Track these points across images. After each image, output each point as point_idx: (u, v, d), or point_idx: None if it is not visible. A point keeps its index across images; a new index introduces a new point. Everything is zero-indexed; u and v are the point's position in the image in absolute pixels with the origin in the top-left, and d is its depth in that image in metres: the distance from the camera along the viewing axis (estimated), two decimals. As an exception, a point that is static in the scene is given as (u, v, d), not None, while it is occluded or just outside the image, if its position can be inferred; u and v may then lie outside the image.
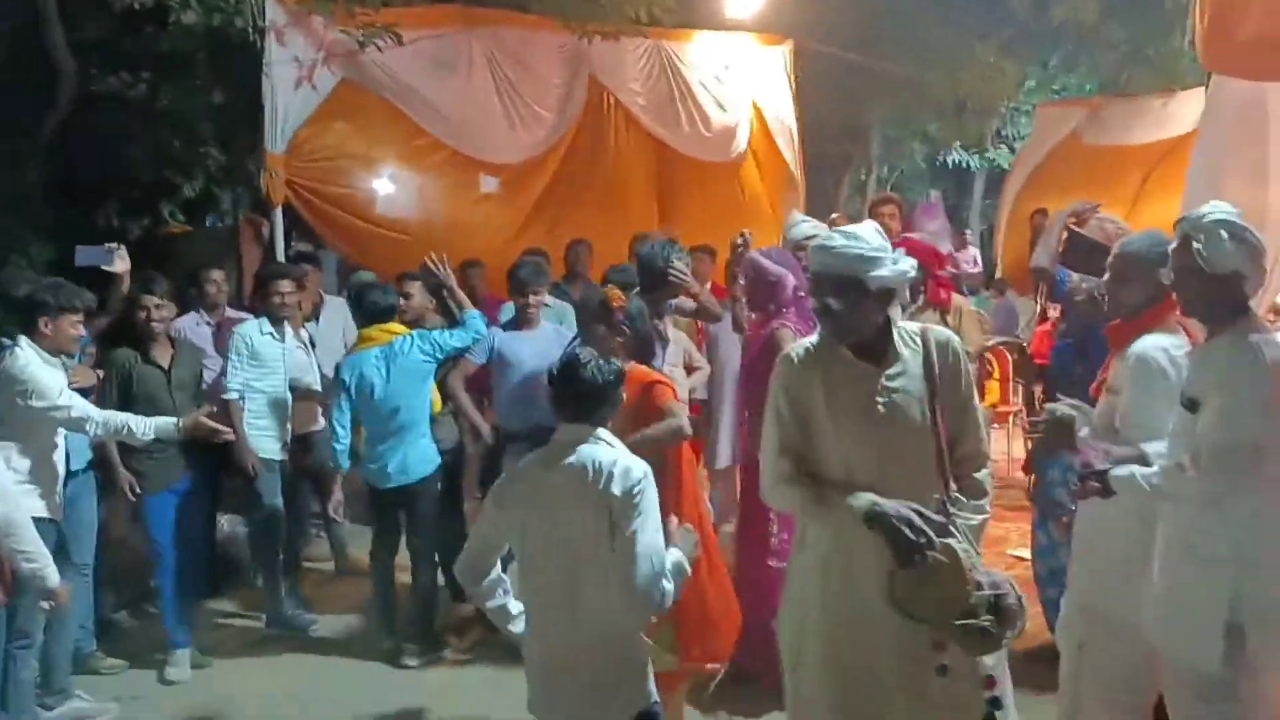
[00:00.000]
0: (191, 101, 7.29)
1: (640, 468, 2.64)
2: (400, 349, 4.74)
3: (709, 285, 6.92)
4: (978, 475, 2.67)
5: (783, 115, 8.94)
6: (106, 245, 4.67)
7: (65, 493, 4.19)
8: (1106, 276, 3.24)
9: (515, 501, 2.76)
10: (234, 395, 4.98)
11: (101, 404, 4.40)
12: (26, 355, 3.89)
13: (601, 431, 2.72)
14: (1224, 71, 4.04)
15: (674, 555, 2.69)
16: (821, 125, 10.60)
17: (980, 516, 2.62)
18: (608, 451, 2.68)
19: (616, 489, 2.58)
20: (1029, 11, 11.06)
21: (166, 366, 4.73)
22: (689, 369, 5.41)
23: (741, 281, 3.98)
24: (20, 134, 7.52)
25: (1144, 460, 2.89)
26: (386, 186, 7.34)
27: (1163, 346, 3.00)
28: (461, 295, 4.98)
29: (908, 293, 4.56)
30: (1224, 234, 2.70)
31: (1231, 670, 2.73)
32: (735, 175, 8.62)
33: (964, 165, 14.04)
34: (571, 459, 2.66)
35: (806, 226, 4.85)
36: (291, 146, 6.53)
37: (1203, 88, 8.70)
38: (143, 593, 5.24)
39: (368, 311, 4.84)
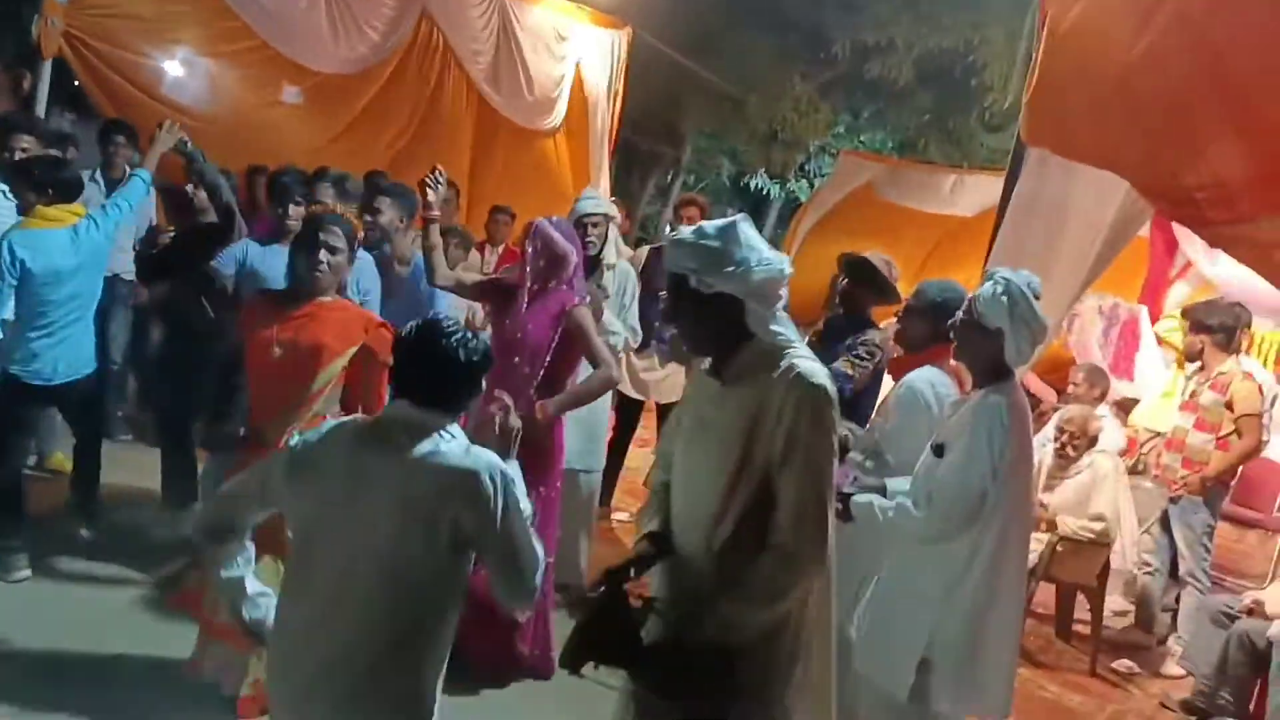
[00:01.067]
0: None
1: (494, 461, 2.20)
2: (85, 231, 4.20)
3: (503, 248, 6.85)
4: (758, 561, 2.19)
5: (602, 98, 8.98)
6: None
7: None
8: (899, 311, 3.44)
9: (314, 473, 2.22)
10: None
11: None
12: None
13: (453, 427, 2.23)
14: (1042, 145, 4.20)
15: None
16: (639, 120, 10.71)
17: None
18: (456, 449, 2.19)
19: (484, 492, 2.13)
20: (851, 61, 11.60)
21: None
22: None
23: (528, 249, 3.87)
24: None
25: (884, 491, 3.07)
26: (180, 64, 6.75)
27: (930, 380, 3.22)
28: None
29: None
30: (1000, 292, 2.90)
31: (919, 705, 2.93)
32: (546, 145, 8.60)
33: (764, 191, 14.56)
34: (409, 450, 2.16)
35: (591, 203, 4.89)
36: (81, -6, 5.87)
37: (987, 174, 9.57)
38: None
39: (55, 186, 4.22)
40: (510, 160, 8.38)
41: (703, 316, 2.27)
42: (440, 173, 3.99)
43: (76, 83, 6.56)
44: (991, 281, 2.94)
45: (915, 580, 2.95)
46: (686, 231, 2.28)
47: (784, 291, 2.28)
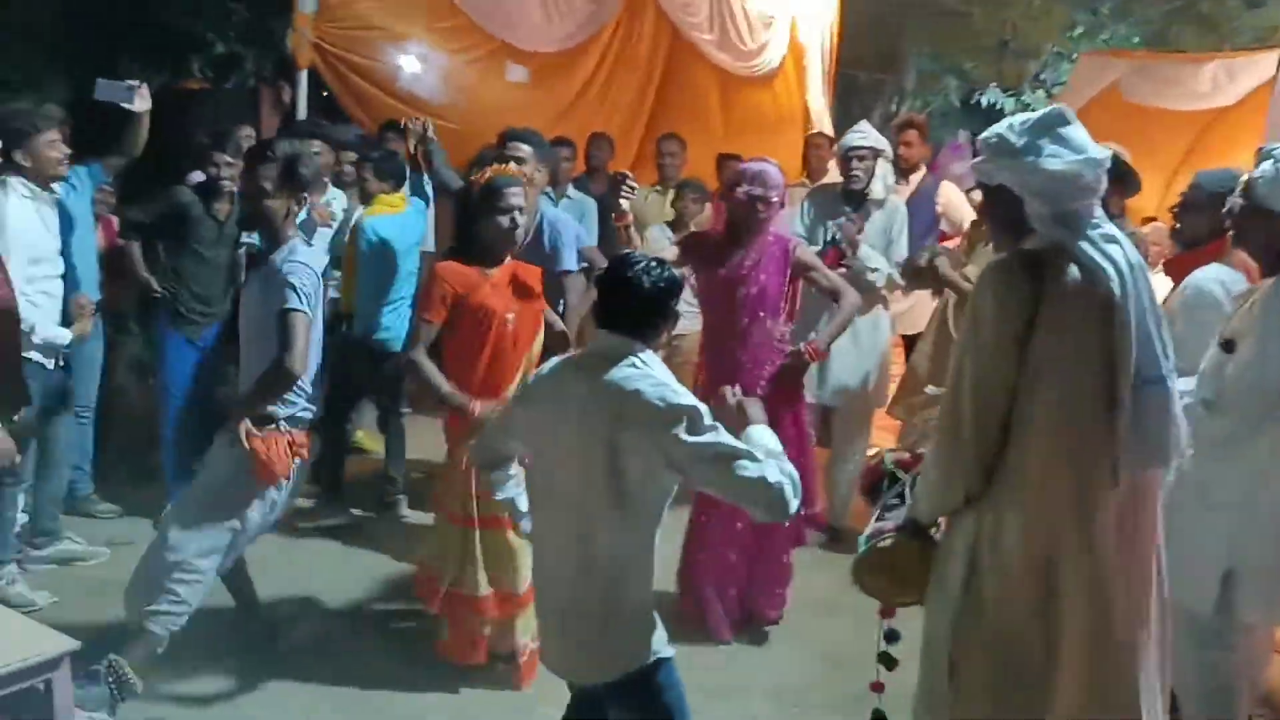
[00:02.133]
0: (220, -49, 7.08)
1: (686, 396, 2.27)
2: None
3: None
4: None
5: (821, 34, 8.76)
6: (128, 82, 4.50)
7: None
8: (1175, 207, 3.22)
9: (535, 402, 2.45)
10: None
11: (144, 232, 4.69)
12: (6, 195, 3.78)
13: (647, 355, 2.35)
14: None
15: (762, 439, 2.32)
16: (858, 50, 10.35)
17: None
18: (634, 374, 2.29)
19: (649, 411, 2.22)
20: (1085, -48, 10.74)
21: (222, 220, 4.69)
22: None
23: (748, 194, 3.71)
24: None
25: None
26: (413, 64, 7.17)
27: (1218, 278, 2.98)
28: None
29: None
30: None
31: (1224, 618, 2.74)
32: (767, 89, 8.49)
33: (997, 107, 13.70)
34: (600, 377, 2.29)
35: (857, 136, 4.83)
36: (322, 8, 6.33)
37: (1252, 54, 8.61)
38: (144, 440, 5.21)
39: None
40: (731, 108, 8.35)
41: (988, 208, 2.35)
42: (632, 181, 3.91)
43: (325, 93, 7.14)
44: (1271, 160, 2.68)
45: (1210, 488, 2.74)
46: (999, 124, 2.29)
47: (1087, 191, 2.19)
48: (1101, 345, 2.15)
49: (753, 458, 2.20)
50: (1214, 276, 3.00)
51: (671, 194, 5.85)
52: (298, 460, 3.22)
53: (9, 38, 6.89)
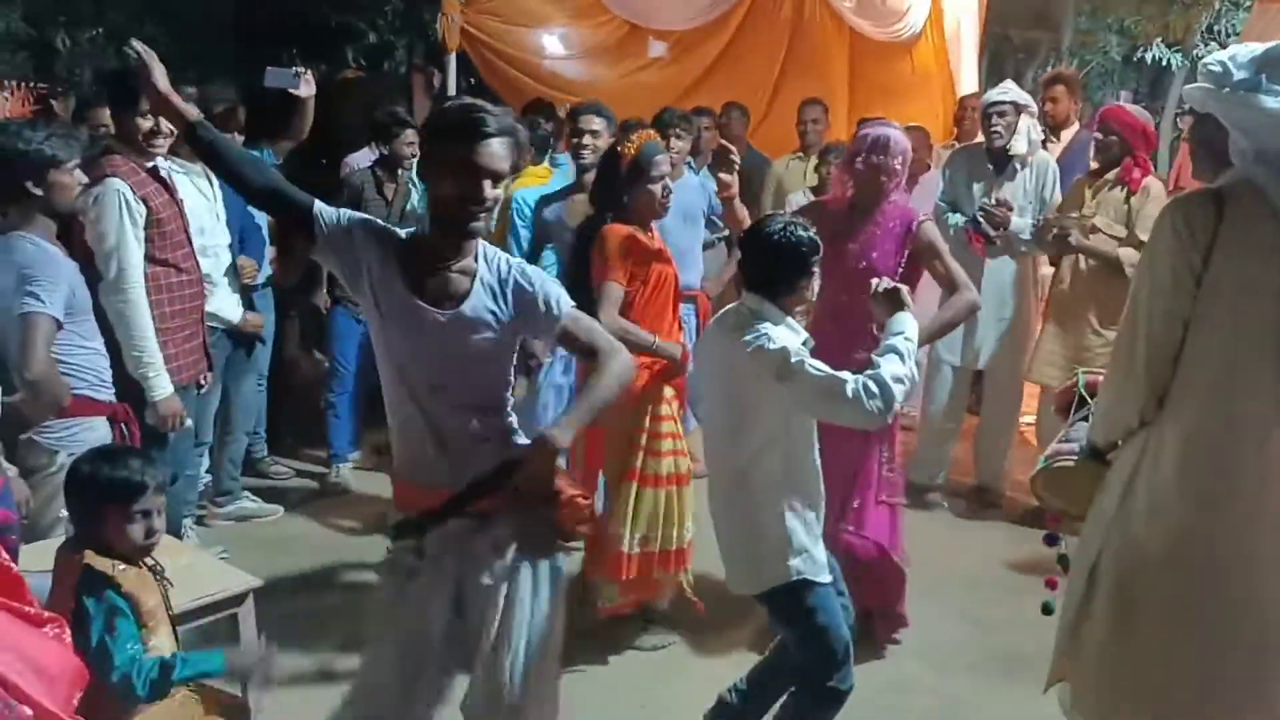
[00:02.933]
0: (372, -55, 7.38)
1: (770, 353, 2.55)
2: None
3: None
4: None
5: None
6: (294, 69, 4.75)
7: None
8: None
9: (698, 357, 2.93)
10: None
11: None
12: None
13: (767, 308, 2.63)
14: None
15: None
16: (1009, 7, 9.96)
17: None
18: (764, 327, 2.59)
19: (758, 353, 2.55)
20: (1261, -109, 9.97)
21: (390, 199, 4.94)
22: None
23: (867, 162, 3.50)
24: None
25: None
26: (556, 47, 7.34)
27: None
28: None
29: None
30: None
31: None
32: (907, 54, 8.26)
33: (1164, 63, 12.91)
34: (739, 334, 2.61)
35: (997, 92, 4.68)
36: (471, -8, 6.54)
37: None
38: (313, 409, 5.53)
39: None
40: (873, 74, 8.17)
41: (1193, 135, 2.33)
42: (735, 155, 3.72)
43: (472, 79, 7.37)
44: None
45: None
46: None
47: None
48: (1272, 292, 2.07)
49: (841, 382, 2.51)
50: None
51: (814, 160, 5.78)
52: None
53: (183, 35, 7.38)
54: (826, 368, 2.55)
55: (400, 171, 4.98)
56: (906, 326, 2.64)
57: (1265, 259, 2.08)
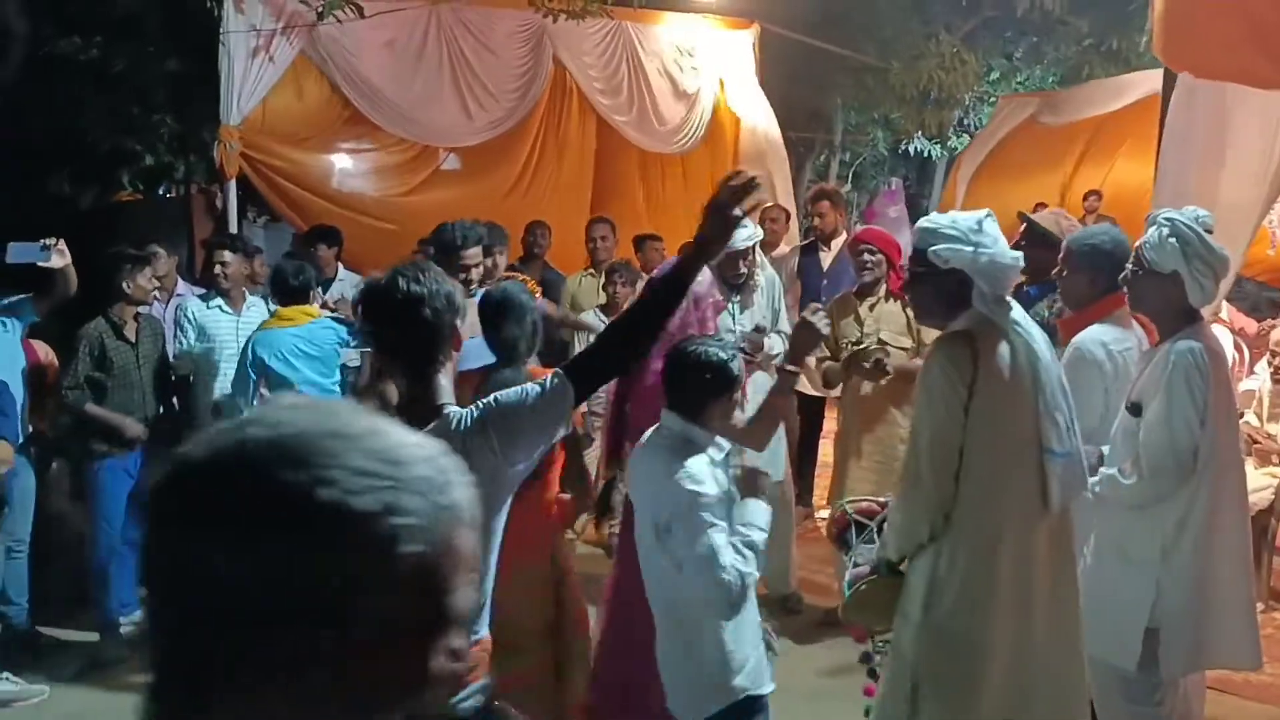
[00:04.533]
0: (146, 67, 7.15)
1: (684, 492, 2.56)
2: (313, 333, 4.67)
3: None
4: None
5: (751, 99, 8.89)
6: (43, 241, 4.48)
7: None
8: (1057, 269, 3.29)
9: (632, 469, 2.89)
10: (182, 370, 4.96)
11: (72, 375, 4.48)
12: None
13: (693, 431, 2.66)
14: (1184, 69, 4.05)
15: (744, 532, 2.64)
16: (784, 110, 10.57)
17: None
18: (664, 458, 2.63)
19: (664, 501, 2.60)
20: (994, 2, 11.11)
21: (134, 341, 4.67)
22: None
23: None
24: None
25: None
26: (344, 161, 7.27)
27: (1100, 340, 3.05)
28: None
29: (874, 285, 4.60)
30: (1168, 234, 2.75)
31: (1149, 673, 2.79)
32: (685, 164, 8.57)
33: (926, 154, 14.09)
34: (665, 448, 2.66)
35: (744, 234, 4.74)
36: (247, 119, 6.41)
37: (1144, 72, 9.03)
38: (84, 570, 5.13)
39: (285, 290, 4.75)
40: (653, 187, 8.46)
41: (931, 287, 2.61)
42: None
43: (255, 203, 7.20)
44: (1155, 226, 2.79)
45: (1129, 548, 2.82)
46: (936, 217, 2.68)
47: (1014, 280, 2.62)
48: (1030, 402, 2.50)
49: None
50: (1095, 337, 3.07)
51: (603, 277, 5.91)
52: None
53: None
54: (719, 538, 2.53)
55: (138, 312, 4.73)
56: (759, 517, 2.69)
57: (1013, 381, 2.48)
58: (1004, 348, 2.49)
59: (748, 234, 4.72)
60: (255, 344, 4.66)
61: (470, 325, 3.81)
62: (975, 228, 2.54)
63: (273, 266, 5.23)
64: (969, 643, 2.50)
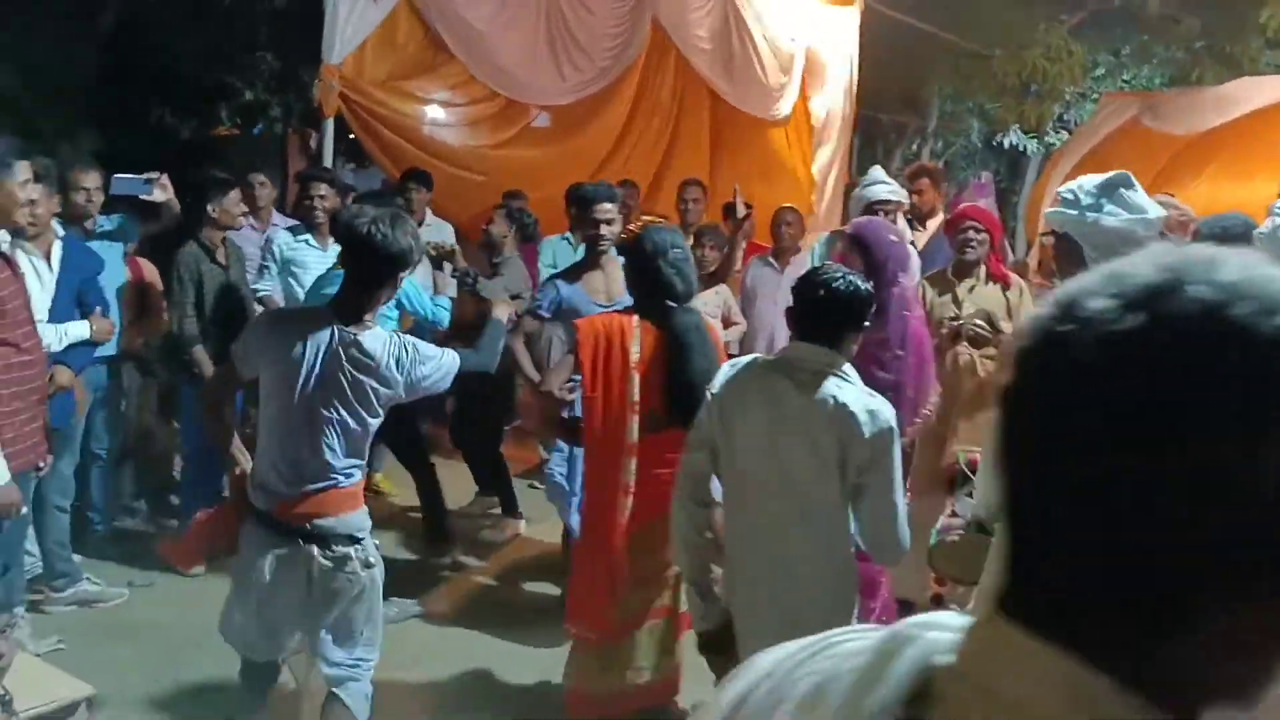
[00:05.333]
0: (249, 4, 7.25)
1: (889, 412, 2.47)
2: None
3: (745, 242, 6.85)
4: None
5: (842, 78, 8.80)
6: (146, 175, 4.60)
7: (90, 378, 4.22)
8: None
9: (737, 407, 2.57)
10: (264, 292, 5.06)
11: (178, 304, 4.61)
12: None
13: (847, 367, 2.53)
14: None
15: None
16: (880, 91, 10.43)
17: None
18: (850, 389, 2.48)
19: (865, 433, 2.43)
20: (1103, -4, 10.80)
21: (225, 265, 4.78)
22: (726, 322, 5.35)
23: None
24: (75, 23, 7.50)
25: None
26: (435, 111, 7.31)
27: None
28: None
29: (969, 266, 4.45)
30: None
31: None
32: (779, 133, 8.55)
33: (1020, 148, 13.71)
34: (810, 385, 2.48)
35: (884, 189, 4.72)
36: (348, 60, 6.46)
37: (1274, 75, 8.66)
38: (163, 483, 5.27)
39: None
40: (746, 153, 8.41)
41: (1056, 250, 2.69)
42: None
43: (351, 136, 7.27)
44: (1272, 216, 2.72)
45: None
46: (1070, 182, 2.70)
47: (1137, 246, 2.42)
48: None
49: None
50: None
51: (692, 239, 5.86)
52: None
53: (45, 90, 7.08)
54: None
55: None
56: None
57: None
58: None
59: (889, 188, 4.66)
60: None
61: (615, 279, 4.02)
62: (1094, 191, 2.50)
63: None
64: None
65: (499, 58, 7.16)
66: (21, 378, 3.27)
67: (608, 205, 4.25)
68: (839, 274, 2.50)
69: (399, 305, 4.57)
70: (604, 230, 4.21)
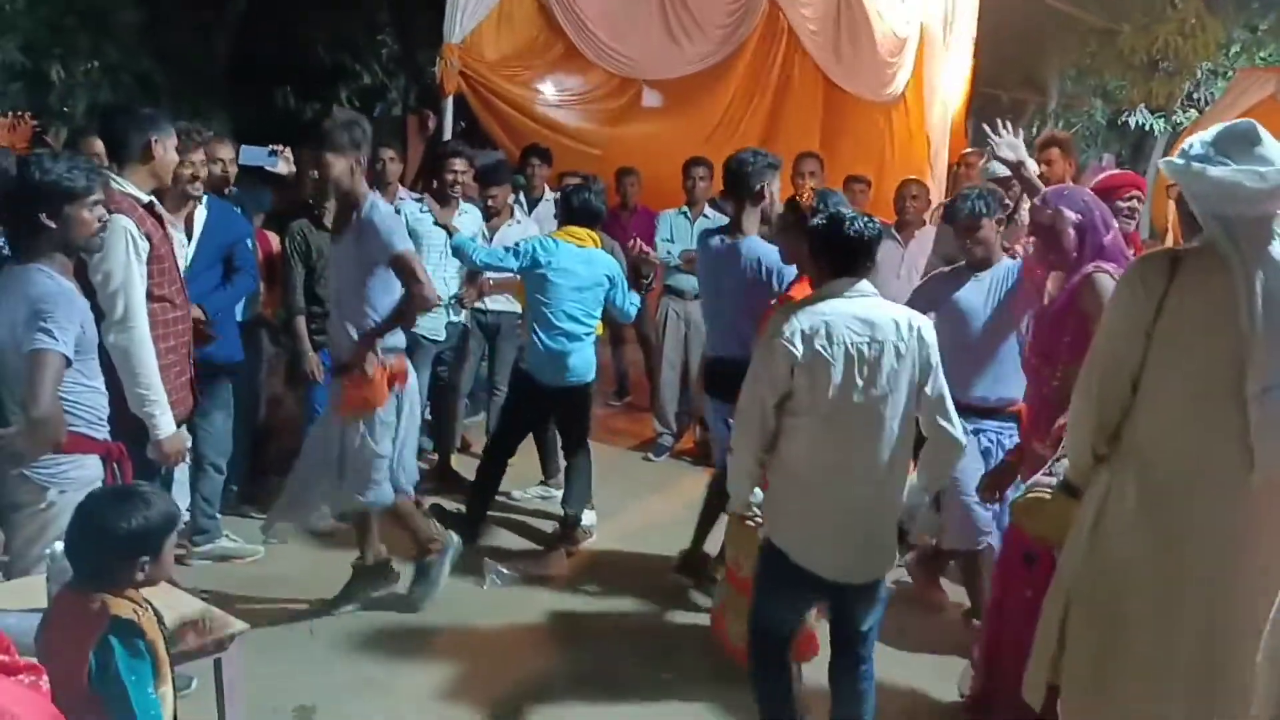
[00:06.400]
0: (373, -12, 7.44)
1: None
2: (595, 259, 4.65)
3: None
4: None
5: (959, 56, 8.61)
6: (270, 146, 4.77)
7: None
8: None
9: (807, 339, 2.74)
10: None
11: (288, 276, 4.73)
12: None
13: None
14: None
15: None
16: (998, 69, 10.14)
17: None
18: (897, 308, 2.88)
19: (926, 343, 2.81)
20: (1241, -33, 10.28)
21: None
22: None
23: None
24: (208, 10, 7.81)
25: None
26: (551, 92, 7.38)
27: None
28: None
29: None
30: None
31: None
32: (892, 112, 8.41)
33: (1146, 128, 13.14)
34: (875, 308, 2.80)
35: (997, 165, 4.58)
36: (468, 40, 6.58)
37: None
38: (294, 450, 5.44)
39: (577, 211, 4.72)
40: (859, 132, 8.30)
41: (1179, 205, 2.54)
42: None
43: (463, 124, 7.40)
44: None
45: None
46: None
47: (1247, 200, 2.28)
48: (1227, 337, 2.27)
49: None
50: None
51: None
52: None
53: (181, 75, 7.39)
54: None
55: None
56: None
57: (1217, 306, 2.29)
58: (1215, 268, 2.28)
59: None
60: (540, 245, 4.64)
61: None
62: (1210, 140, 2.31)
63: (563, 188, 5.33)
64: (1124, 575, 2.40)
65: (610, 35, 7.20)
66: (176, 332, 3.42)
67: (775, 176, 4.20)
68: (854, 214, 2.88)
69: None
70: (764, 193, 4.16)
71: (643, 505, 5.45)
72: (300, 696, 3.37)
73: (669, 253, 6.05)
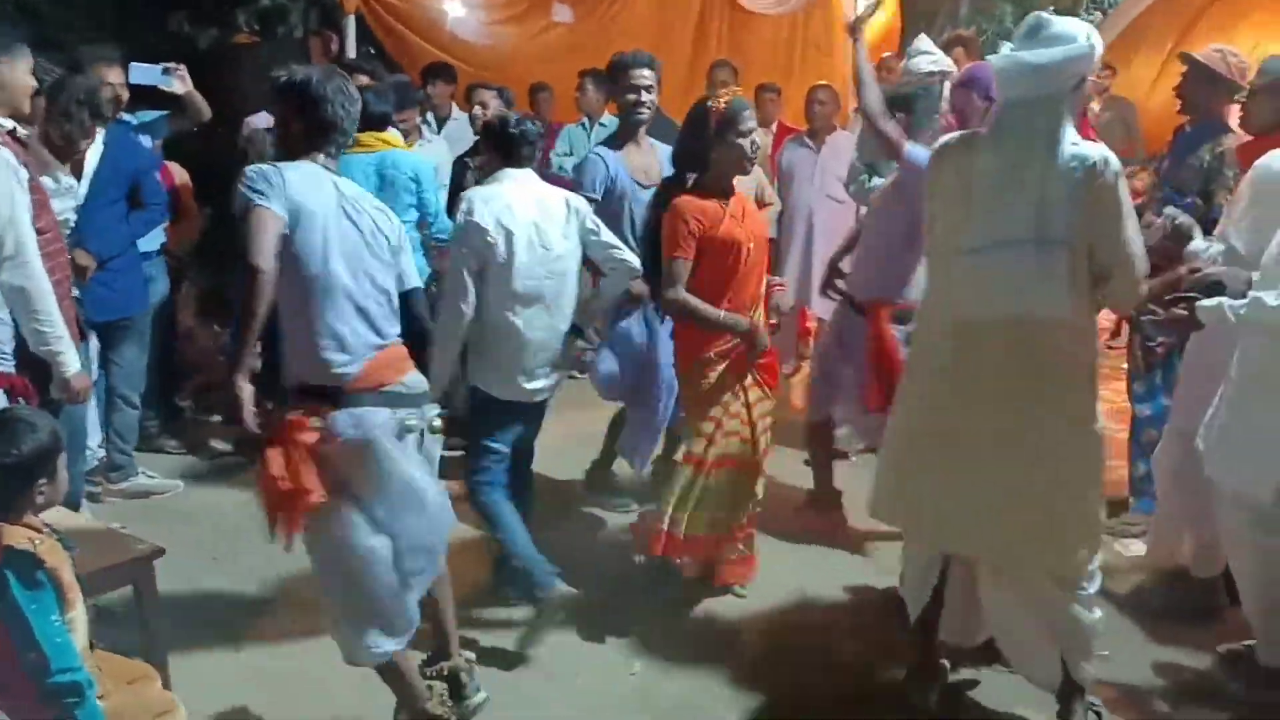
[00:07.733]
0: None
1: None
2: (393, 162, 4.27)
3: (775, 125, 6.74)
4: None
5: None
6: (164, 65, 4.53)
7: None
8: (1243, 94, 3.27)
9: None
10: None
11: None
12: None
13: None
14: None
15: None
16: (903, -26, 10.09)
17: None
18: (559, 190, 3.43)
19: (582, 213, 3.43)
20: None
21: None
22: (760, 203, 5.26)
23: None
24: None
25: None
26: (458, 9, 7.21)
27: None
28: None
29: None
30: None
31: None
32: (794, 21, 8.33)
33: (1055, 32, 13.27)
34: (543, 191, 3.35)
35: (927, 60, 4.50)
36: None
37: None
38: (206, 383, 5.36)
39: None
40: (770, 43, 8.24)
41: None
42: None
43: (371, 50, 7.19)
44: None
45: (1273, 375, 2.70)
46: None
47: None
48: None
49: None
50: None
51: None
52: None
53: (64, 2, 7.04)
54: None
55: None
56: None
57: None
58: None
59: (933, 59, 4.36)
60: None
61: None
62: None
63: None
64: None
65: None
66: (58, 265, 3.23)
67: (646, 71, 3.96)
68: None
69: None
70: (644, 97, 3.96)
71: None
72: (230, 619, 3.36)
73: (561, 167, 5.96)
